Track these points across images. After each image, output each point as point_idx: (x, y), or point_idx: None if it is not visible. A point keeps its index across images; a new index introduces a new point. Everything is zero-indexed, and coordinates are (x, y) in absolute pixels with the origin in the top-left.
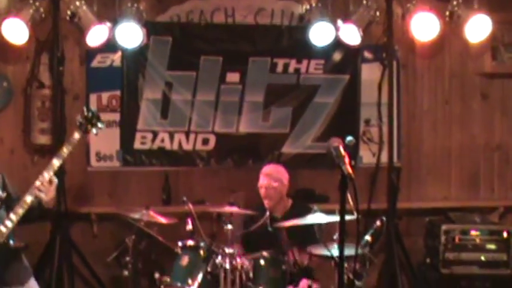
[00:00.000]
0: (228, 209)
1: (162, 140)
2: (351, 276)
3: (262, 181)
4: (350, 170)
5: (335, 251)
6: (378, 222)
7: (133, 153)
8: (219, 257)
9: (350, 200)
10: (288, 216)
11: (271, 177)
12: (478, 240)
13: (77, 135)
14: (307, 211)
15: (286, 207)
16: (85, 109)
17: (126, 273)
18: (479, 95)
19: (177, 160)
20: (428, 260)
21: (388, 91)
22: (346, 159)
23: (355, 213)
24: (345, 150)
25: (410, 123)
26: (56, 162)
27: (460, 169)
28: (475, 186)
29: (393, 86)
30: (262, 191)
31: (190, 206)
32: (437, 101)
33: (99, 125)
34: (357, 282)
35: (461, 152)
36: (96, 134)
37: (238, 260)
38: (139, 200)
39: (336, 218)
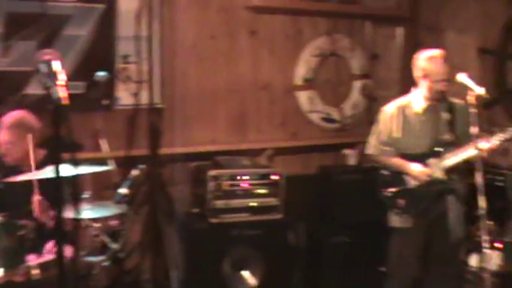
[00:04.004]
0: None
1: None
2: (105, 238)
3: (3, 136)
4: (64, 94)
5: (86, 212)
6: (135, 172)
7: None
8: None
9: (104, 145)
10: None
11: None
12: (247, 186)
13: None
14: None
15: (36, 160)
16: None
17: None
18: (247, 31)
19: None
20: (195, 210)
21: (148, 24)
22: (61, 80)
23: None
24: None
25: (173, 60)
26: None
27: (227, 110)
28: (242, 127)
29: (154, 18)
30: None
31: None
32: (203, 35)
33: None
34: (113, 245)
35: (228, 91)
36: None
37: None
38: None
39: (87, 169)
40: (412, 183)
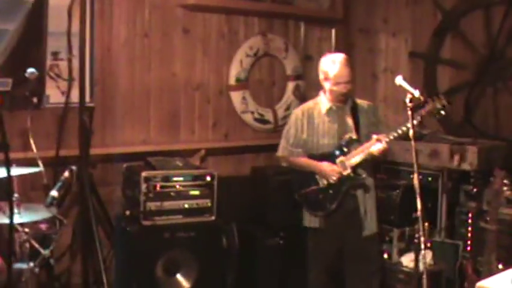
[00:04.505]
0: None
1: None
2: (35, 244)
3: None
4: None
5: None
6: (67, 174)
7: None
8: None
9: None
10: None
11: None
12: (180, 187)
13: None
14: None
15: None
16: None
17: None
18: (180, 30)
19: None
20: (128, 212)
21: (80, 19)
22: None
23: None
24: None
25: (105, 58)
26: None
27: (159, 109)
28: (175, 128)
29: (86, 13)
30: None
31: None
32: (136, 33)
33: None
34: (44, 252)
35: (161, 90)
36: None
37: None
38: None
39: (16, 171)
40: (323, 182)
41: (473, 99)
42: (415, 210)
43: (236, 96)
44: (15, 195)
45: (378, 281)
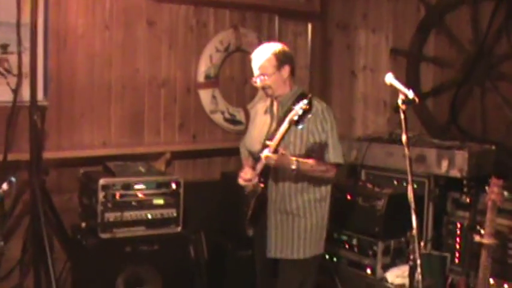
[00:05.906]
0: None
1: None
2: None
3: None
4: None
5: None
6: (5, 186)
7: None
8: None
9: None
10: None
11: None
12: (143, 196)
13: None
14: None
15: None
16: None
17: None
18: (145, 21)
19: None
20: (84, 224)
21: (32, 9)
22: None
23: None
24: None
25: (61, 52)
26: None
27: (121, 109)
28: (138, 129)
29: (38, 2)
30: None
31: None
32: (95, 25)
33: None
34: None
35: (123, 88)
36: None
37: None
38: None
39: None
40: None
41: (459, 100)
42: (403, 221)
43: (205, 95)
44: None
45: None
